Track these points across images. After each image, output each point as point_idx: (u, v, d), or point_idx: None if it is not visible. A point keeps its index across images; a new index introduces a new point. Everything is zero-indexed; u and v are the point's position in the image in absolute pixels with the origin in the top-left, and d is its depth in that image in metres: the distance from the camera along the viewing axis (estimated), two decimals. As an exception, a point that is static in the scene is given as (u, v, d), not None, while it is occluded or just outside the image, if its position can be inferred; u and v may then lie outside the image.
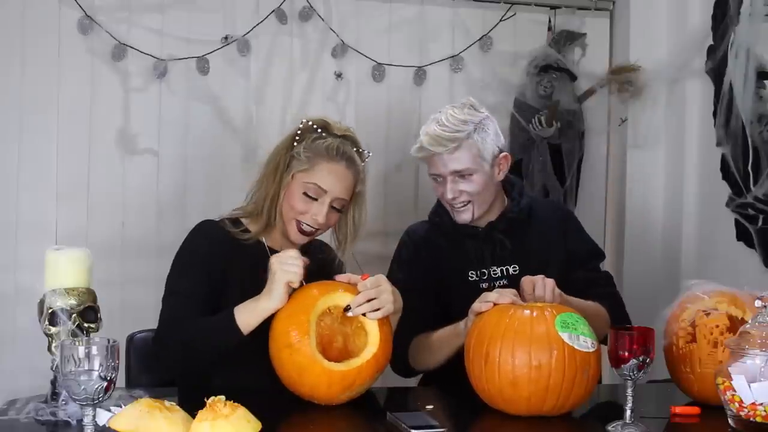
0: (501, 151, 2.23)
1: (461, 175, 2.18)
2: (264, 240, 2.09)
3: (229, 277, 2.01)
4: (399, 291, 2.13)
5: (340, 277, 1.93)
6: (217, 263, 2.01)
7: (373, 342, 1.84)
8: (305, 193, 2.02)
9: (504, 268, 2.22)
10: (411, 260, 2.27)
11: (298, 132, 2.06)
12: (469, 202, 2.21)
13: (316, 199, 2.02)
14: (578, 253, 2.29)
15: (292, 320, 1.80)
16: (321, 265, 2.07)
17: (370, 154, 2.12)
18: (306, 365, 1.77)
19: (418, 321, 2.14)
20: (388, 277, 2.16)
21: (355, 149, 2.07)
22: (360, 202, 2.12)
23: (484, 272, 2.23)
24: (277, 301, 1.83)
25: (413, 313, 2.14)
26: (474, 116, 2.19)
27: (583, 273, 2.24)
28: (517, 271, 2.20)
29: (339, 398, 1.81)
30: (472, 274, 2.23)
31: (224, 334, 1.86)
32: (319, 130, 2.04)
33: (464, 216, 2.22)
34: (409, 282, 2.20)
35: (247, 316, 1.85)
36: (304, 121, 2.08)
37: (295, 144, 2.05)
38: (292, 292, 1.85)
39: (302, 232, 2.04)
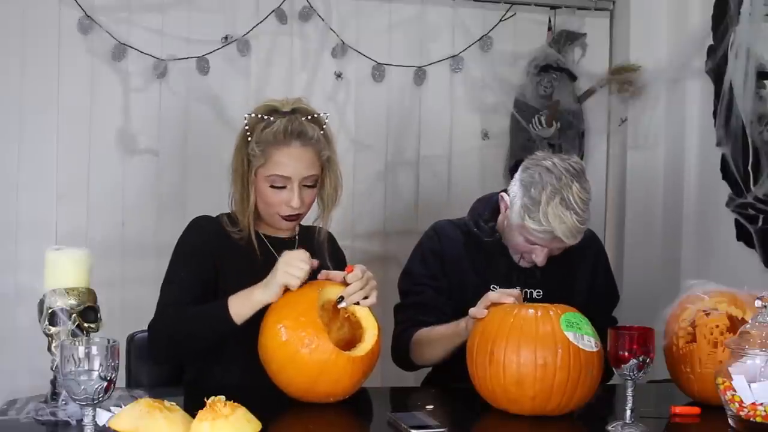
0: None
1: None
2: (259, 230, 2.07)
3: (223, 269, 2.01)
4: (414, 283, 2.17)
5: (320, 276, 1.93)
6: (207, 256, 2.01)
7: (371, 326, 1.87)
8: (272, 186, 1.99)
9: (528, 291, 2.18)
10: (433, 255, 2.21)
11: (246, 127, 2.02)
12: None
13: (284, 188, 1.99)
14: (600, 292, 2.26)
15: (300, 323, 1.79)
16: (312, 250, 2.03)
17: (328, 116, 2.05)
18: (329, 360, 1.76)
19: (426, 315, 2.12)
20: (406, 267, 2.21)
21: (308, 118, 2.00)
22: (332, 168, 2.06)
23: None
24: (270, 296, 1.85)
25: (423, 306, 2.14)
26: (589, 190, 2.06)
27: (597, 316, 2.17)
28: (541, 296, 2.17)
29: (356, 387, 1.83)
30: (494, 287, 2.15)
31: (217, 322, 1.88)
32: (265, 117, 1.99)
33: (541, 263, 2.13)
34: (427, 275, 2.18)
35: (241, 306, 1.86)
36: (247, 115, 2.03)
37: (249, 140, 2.00)
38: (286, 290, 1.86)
39: (288, 219, 2.03)
